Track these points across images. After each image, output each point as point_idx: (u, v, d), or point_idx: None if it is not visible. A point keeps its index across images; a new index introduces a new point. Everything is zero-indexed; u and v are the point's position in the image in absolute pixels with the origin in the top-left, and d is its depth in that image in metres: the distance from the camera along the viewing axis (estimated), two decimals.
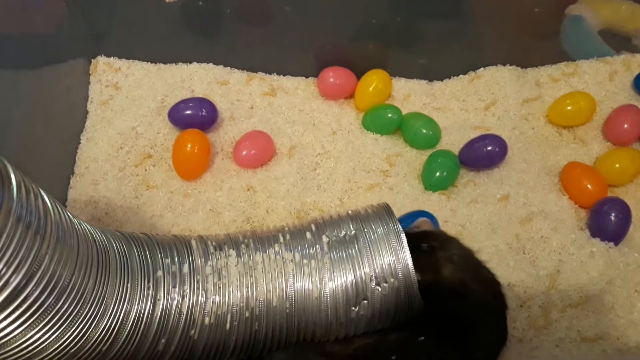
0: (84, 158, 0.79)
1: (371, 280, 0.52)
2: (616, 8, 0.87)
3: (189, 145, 0.76)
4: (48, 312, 0.42)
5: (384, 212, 0.56)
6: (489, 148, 0.77)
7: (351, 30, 0.85)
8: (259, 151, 0.78)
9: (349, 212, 0.58)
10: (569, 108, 0.82)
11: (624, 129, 0.80)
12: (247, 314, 0.51)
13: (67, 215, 0.46)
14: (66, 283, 0.43)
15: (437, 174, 0.76)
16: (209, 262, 0.53)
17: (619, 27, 0.88)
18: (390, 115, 0.82)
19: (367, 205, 0.59)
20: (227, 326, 0.51)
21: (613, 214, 0.71)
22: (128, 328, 0.47)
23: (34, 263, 0.40)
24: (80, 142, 0.80)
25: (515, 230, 0.72)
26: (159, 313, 0.49)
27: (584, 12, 0.87)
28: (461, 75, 0.89)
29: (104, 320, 0.46)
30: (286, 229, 0.57)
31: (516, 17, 0.86)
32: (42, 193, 0.44)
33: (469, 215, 0.73)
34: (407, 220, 0.71)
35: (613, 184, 0.77)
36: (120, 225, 0.73)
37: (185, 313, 0.50)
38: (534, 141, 0.82)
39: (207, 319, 0.50)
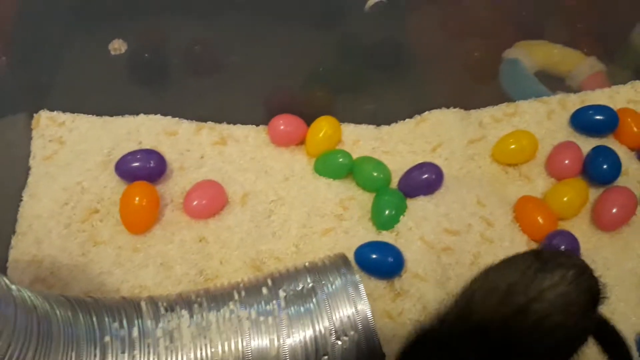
0: (26, 215, 0.75)
1: (331, 334, 0.52)
2: (549, 51, 0.92)
3: (137, 198, 0.74)
4: None
5: (340, 262, 0.56)
6: (425, 176, 0.80)
7: (300, 78, 0.87)
8: (210, 200, 0.77)
9: (306, 264, 0.58)
10: (512, 147, 0.85)
11: (565, 164, 0.83)
12: None
13: (4, 281, 0.43)
14: (1, 356, 0.40)
15: (386, 212, 0.77)
16: (160, 324, 0.51)
17: (553, 69, 0.93)
18: (341, 160, 0.82)
19: (323, 256, 0.58)
20: None
21: (563, 247, 0.74)
22: None
23: None
24: (22, 199, 0.77)
25: (469, 265, 0.73)
26: None
27: (519, 55, 0.91)
28: (407, 119, 0.91)
29: None
30: (241, 285, 0.56)
31: (457, 62, 0.89)
32: None
33: (424, 251, 0.74)
34: (370, 248, 0.73)
35: (563, 217, 0.79)
36: (66, 284, 0.69)
37: None
38: (482, 179, 0.84)
39: None
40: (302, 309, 0.53)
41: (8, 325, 0.41)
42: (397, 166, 0.84)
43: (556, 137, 0.87)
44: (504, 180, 0.85)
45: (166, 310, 0.52)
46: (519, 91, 0.92)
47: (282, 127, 0.86)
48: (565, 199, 0.79)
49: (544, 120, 0.89)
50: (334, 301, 0.53)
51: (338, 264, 0.56)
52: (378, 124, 0.91)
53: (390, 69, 0.88)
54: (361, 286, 0.54)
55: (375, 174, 0.81)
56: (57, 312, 0.47)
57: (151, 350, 0.49)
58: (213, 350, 0.50)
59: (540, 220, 0.77)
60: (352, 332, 0.52)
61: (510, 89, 0.92)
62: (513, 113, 0.90)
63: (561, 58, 0.91)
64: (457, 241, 0.75)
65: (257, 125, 0.89)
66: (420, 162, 0.82)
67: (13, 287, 0.44)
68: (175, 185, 0.80)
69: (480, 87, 0.94)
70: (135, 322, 0.50)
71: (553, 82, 0.93)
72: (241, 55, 0.83)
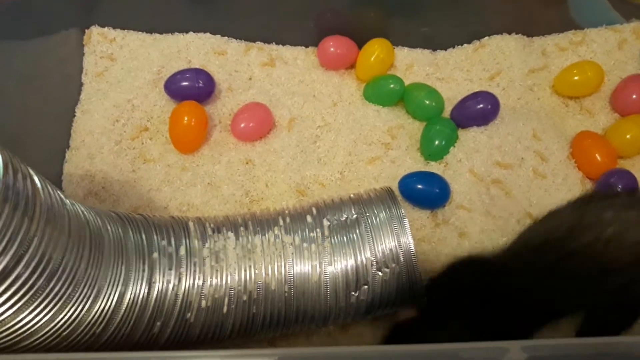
0: (79, 131, 0.77)
1: (372, 265, 0.52)
2: None
3: (186, 118, 0.74)
4: (39, 293, 0.41)
5: (386, 196, 0.55)
6: (481, 106, 0.76)
7: None
8: (257, 124, 0.77)
9: (351, 195, 0.57)
10: (576, 78, 0.80)
11: (632, 99, 0.78)
12: (244, 298, 0.51)
13: (59, 196, 0.45)
14: (57, 265, 0.42)
15: (436, 142, 0.75)
16: (207, 245, 0.52)
17: None
18: (392, 86, 0.80)
19: (369, 188, 0.57)
20: (225, 309, 0.50)
21: (620, 186, 0.70)
22: (122, 310, 0.47)
23: (22, 244, 0.39)
24: (75, 115, 0.79)
25: (518, 199, 0.71)
26: (155, 296, 0.48)
27: None
28: (465, 45, 0.86)
29: (98, 302, 0.45)
30: (286, 211, 0.56)
31: None
32: (32, 173, 0.43)
33: (472, 183, 0.72)
34: (416, 178, 0.71)
35: (623, 155, 0.75)
36: (117, 199, 0.72)
37: (181, 296, 0.49)
38: (540, 112, 0.80)
39: (203, 302, 0.50)
40: (345, 238, 0.53)
41: (63, 235, 0.43)
42: (452, 94, 0.81)
43: (625, 69, 0.81)
44: (563, 113, 0.81)
45: (213, 231, 0.53)
46: (588, 17, 0.85)
47: (332, 49, 0.83)
48: (627, 136, 0.75)
49: (614, 50, 0.83)
50: (377, 233, 0.53)
51: (383, 197, 0.55)
52: (434, 49, 0.86)
53: None
54: (405, 220, 0.53)
55: (427, 102, 0.78)
56: (109, 227, 0.49)
57: (197, 269, 0.50)
58: (257, 272, 0.51)
59: (598, 157, 0.73)
60: (393, 265, 0.52)
61: (578, 14, 0.85)
62: (580, 42, 0.84)
63: None
64: (508, 175, 0.73)
65: (307, 46, 0.87)
66: (476, 90, 0.79)
67: (67, 201, 0.46)
68: (223, 106, 0.80)
69: (546, 12, 0.87)
70: (183, 241, 0.52)
71: (628, 9, 0.85)
72: None
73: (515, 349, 0.33)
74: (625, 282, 0.52)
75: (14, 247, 0.39)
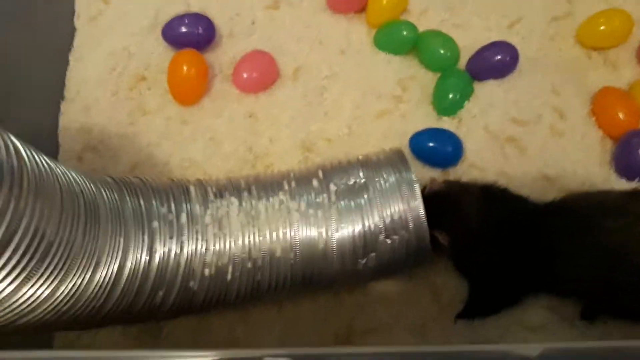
0: (74, 81, 0.73)
1: (380, 232, 0.50)
2: None
3: (185, 67, 0.70)
4: (36, 269, 0.39)
5: (396, 159, 0.52)
6: (498, 57, 0.72)
7: None
8: (260, 74, 0.73)
9: (359, 157, 0.54)
10: (601, 27, 0.74)
11: None
12: (249, 265, 0.49)
13: (48, 165, 0.42)
14: (52, 238, 0.39)
15: (450, 96, 0.71)
16: (209, 211, 0.50)
17: None
18: (405, 33, 0.74)
19: (379, 150, 0.54)
20: (228, 277, 0.49)
21: None
22: (123, 281, 0.45)
23: (13, 220, 0.36)
24: (69, 64, 0.74)
25: (534, 159, 0.68)
26: (156, 265, 0.46)
27: None
28: None
29: (97, 274, 0.43)
30: (291, 175, 0.53)
31: None
32: (17, 143, 0.40)
33: (486, 141, 0.69)
34: (427, 135, 0.68)
35: None
36: (115, 154, 0.69)
37: (183, 264, 0.47)
38: (560, 64, 0.76)
39: (206, 270, 0.48)
40: (352, 204, 0.50)
41: (55, 208, 0.40)
42: (468, 42, 0.76)
43: None
44: (585, 66, 0.75)
45: (215, 196, 0.51)
46: None
47: None
48: None
49: None
50: (386, 199, 0.50)
51: (393, 160, 0.52)
52: None
53: None
54: (416, 186, 0.50)
55: (442, 52, 0.74)
56: (104, 194, 0.46)
57: (199, 237, 0.48)
58: (261, 238, 0.49)
59: (621, 116, 0.69)
60: (402, 232, 0.50)
61: None
62: None
63: None
64: (524, 132, 0.70)
65: None
66: (494, 40, 0.74)
67: (59, 170, 0.43)
68: (224, 54, 0.76)
69: None
70: (184, 207, 0.49)
71: None
72: None
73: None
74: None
75: (5, 224, 0.36)
